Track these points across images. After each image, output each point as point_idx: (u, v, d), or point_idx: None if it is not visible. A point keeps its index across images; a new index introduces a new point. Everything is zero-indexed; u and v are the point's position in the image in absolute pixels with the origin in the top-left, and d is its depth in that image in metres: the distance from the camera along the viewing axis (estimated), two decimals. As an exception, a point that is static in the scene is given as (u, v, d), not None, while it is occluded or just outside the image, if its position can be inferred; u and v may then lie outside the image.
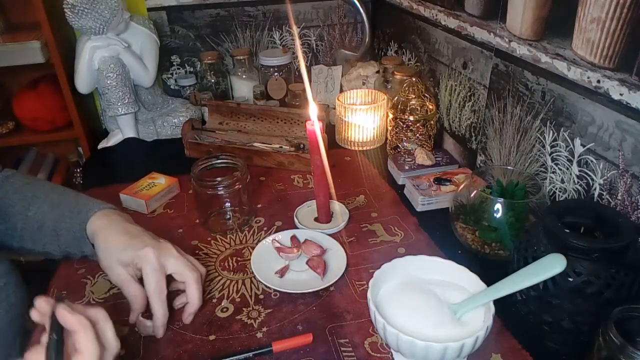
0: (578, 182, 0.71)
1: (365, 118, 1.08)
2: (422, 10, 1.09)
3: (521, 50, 0.78)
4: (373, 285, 0.57)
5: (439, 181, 0.90)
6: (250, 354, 0.59)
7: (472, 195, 0.76)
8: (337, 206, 0.88)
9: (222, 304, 0.69)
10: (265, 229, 0.85)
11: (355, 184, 0.98)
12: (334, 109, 1.13)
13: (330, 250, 0.77)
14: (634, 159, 0.61)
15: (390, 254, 0.72)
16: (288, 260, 0.75)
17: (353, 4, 1.31)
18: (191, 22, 1.31)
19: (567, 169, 0.73)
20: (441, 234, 0.81)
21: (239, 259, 0.78)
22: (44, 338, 0.44)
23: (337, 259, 0.75)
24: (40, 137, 1.31)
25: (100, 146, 1.18)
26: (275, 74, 1.28)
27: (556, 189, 0.75)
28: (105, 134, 1.22)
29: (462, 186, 0.78)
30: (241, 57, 1.28)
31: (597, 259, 0.55)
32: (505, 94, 0.85)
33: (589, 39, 0.64)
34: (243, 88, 1.29)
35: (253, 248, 0.78)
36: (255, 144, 1.07)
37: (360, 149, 1.12)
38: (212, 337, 0.63)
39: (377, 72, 1.26)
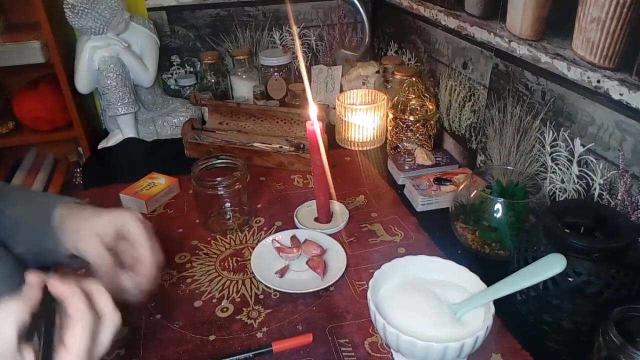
0: (578, 182, 0.71)
1: (365, 118, 1.08)
2: (422, 10, 1.09)
3: (521, 50, 0.78)
4: (373, 285, 0.57)
5: (439, 181, 0.90)
6: (250, 354, 0.59)
7: (472, 195, 0.76)
8: (337, 206, 0.88)
9: (222, 304, 0.69)
10: (265, 229, 0.85)
11: (355, 184, 0.98)
12: (334, 109, 1.13)
13: (330, 250, 0.77)
14: (634, 159, 0.61)
15: (390, 254, 0.72)
16: (288, 260, 0.75)
17: (353, 4, 1.31)
18: (191, 22, 1.31)
19: (567, 169, 0.73)
20: (441, 234, 0.81)
21: (239, 259, 0.78)
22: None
23: (337, 259, 0.75)
24: (40, 137, 1.31)
25: (100, 146, 1.18)
26: (275, 74, 1.28)
27: (556, 189, 0.75)
28: (105, 134, 1.22)
29: (462, 186, 0.78)
30: (241, 57, 1.28)
31: (597, 259, 0.55)
32: (505, 94, 0.85)
33: (589, 39, 0.64)
34: (243, 88, 1.29)
35: (253, 248, 0.78)
36: (255, 144, 1.07)
37: (360, 149, 1.12)
38: (212, 337, 0.63)
39: (377, 72, 1.26)
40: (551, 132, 0.75)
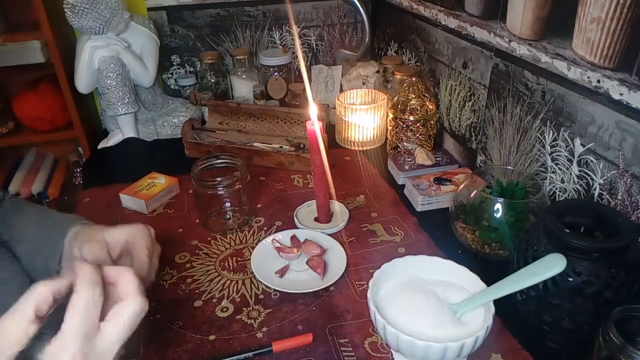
0: (578, 182, 0.71)
1: (365, 118, 1.08)
2: (422, 10, 1.09)
3: (521, 50, 0.78)
4: (373, 285, 0.57)
5: (439, 181, 0.90)
6: (250, 354, 0.59)
7: (472, 195, 0.76)
8: (337, 206, 0.88)
9: (222, 304, 0.69)
10: (265, 229, 0.85)
11: (355, 184, 0.98)
12: (334, 108, 1.13)
13: (330, 250, 0.77)
14: (634, 159, 0.61)
15: (390, 254, 0.72)
16: (288, 260, 0.75)
17: (353, 4, 1.31)
18: (191, 22, 1.31)
19: (567, 169, 0.73)
20: (441, 234, 0.81)
21: (239, 259, 0.78)
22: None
23: (337, 259, 0.75)
24: (40, 137, 1.31)
25: (100, 146, 1.18)
26: (275, 73, 1.28)
27: (556, 189, 0.75)
28: (105, 134, 1.22)
29: (462, 186, 0.78)
30: (241, 57, 1.28)
31: (597, 259, 0.55)
32: (505, 94, 0.84)
33: (589, 38, 0.64)
34: (243, 88, 1.29)
35: (253, 248, 0.78)
36: (255, 144, 1.07)
37: (360, 149, 1.12)
38: (212, 337, 0.63)
39: (377, 72, 1.26)
40: (551, 132, 0.75)
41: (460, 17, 0.94)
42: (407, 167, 0.97)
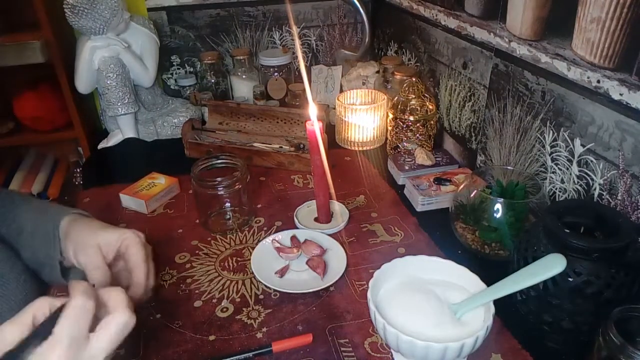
0: (578, 182, 0.71)
1: (365, 118, 1.08)
2: (422, 10, 1.09)
3: (521, 50, 0.78)
4: (373, 285, 0.57)
5: (439, 181, 0.90)
6: (250, 354, 0.59)
7: (472, 195, 0.76)
8: (337, 206, 0.88)
9: (222, 304, 0.69)
10: (265, 229, 0.85)
11: (355, 184, 0.98)
12: (334, 109, 1.13)
13: (330, 250, 0.77)
14: (634, 159, 0.61)
15: (390, 254, 0.72)
16: (288, 260, 0.75)
17: (353, 4, 1.31)
18: (191, 22, 1.31)
19: (567, 169, 0.73)
20: (441, 234, 0.81)
21: (239, 259, 0.78)
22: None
23: (337, 259, 0.75)
24: (40, 137, 1.31)
25: (100, 146, 1.18)
26: (275, 74, 1.28)
27: (556, 189, 0.75)
28: (105, 134, 1.22)
29: (462, 186, 0.78)
30: (241, 57, 1.28)
31: (597, 259, 0.55)
32: (505, 94, 0.85)
33: (589, 39, 0.64)
34: (243, 88, 1.29)
35: (253, 248, 0.78)
36: (255, 144, 1.07)
37: (360, 149, 1.12)
38: (212, 337, 0.63)
39: (377, 72, 1.26)
40: (551, 132, 0.75)
41: (460, 17, 0.94)
42: (407, 167, 0.97)
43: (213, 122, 1.16)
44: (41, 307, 0.41)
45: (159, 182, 0.94)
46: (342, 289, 0.71)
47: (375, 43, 1.43)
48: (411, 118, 1.00)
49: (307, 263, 0.74)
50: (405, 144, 1.03)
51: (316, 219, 0.85)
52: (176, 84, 1.36)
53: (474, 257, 0.76)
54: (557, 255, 0.51)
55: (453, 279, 0.60)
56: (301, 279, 0.72)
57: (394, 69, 1.13)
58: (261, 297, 0.70)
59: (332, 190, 0.83)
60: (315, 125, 0.75)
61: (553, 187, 0.76)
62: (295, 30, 1.39)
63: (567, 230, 0.56)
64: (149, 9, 1.27)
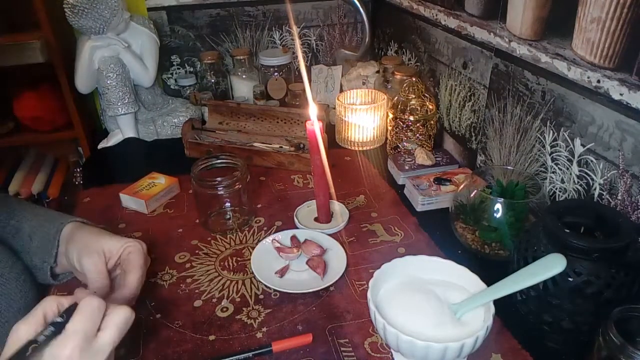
0: (578, 182, 0.71)
1: (365, 118, 1.08)
2: (422, 10, 1.09)
3: (521, 50, 0.78)
4: (373, 285, 0.57)
5: (439, 181, 0.90)
6: (250, 354, 0.59)
7: (472, 195, 0.76)
8: (337, 206, 0.88)
9: (222, 304, 0.69)
10: (265, 229, 0.85)
11: (355, 184, 0.98)
12: (334, 109, 1.13)
13: (330, 250, 0.77)
14: (634, 159, 0.61)
15: (390, 254, 0.72)
16: (288, 260, 0.75)
17: (353, 4, 1.31)
18: (191, 22, 1.31)
19: (567, 169, 0.72)
20: (441, 234, 0.81)
21: (239, 259, 0.78)
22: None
23: (337, 259, 0.75)
24: (40, 137, 1.31)
25: (100, 146, 1.18)
26: (275, 74, 1.28)
27: (556, 189, 0.75)
28: (105, 134, 1.22)
29: (462, 186, 0.78)
30: (241, 57, 1.28)
31: (597, 259, 0.55)
32: (505, 94, 0.84)
33: (589, 39, 0.64)
34: (243, 88, 1.29)
35: (253, 248, 0.78)
36: (255, 144, 1.07)
37: (360, 149, 1.12)
38: (212, 337, 0.63)
39: (377, 72, 1.26)
40: (551, 132, 0.75)
41: (460, 17, 0.94)
42: (407, 167, 0.97)
43: (213, 122, 1.16)
44: (51, 306, 0.45)
45: (159, 182, 0.94)
46: (342, 289, 0.71)
47: (375, 43, 1.43)
48: (411, 118, 1.00)
49: (307, 263, 0.74)
50: (405, 143, 1.03)
51: (316, 219, 0.85)
52: (176, 84, 1.36)
53: (474, 257, 0.76)
54: (557, 255, 0.51)
55: (453, 279, 0.60)
56: (301, 279, 0.72)
57: (394, 68, 1.13)
58: (261, 297, 0.70)
59: (332, 190, 0.83)
60: (315, 125, 0.75)
61: (553, 187, 0.76)
62: (295, 30, 1.39)
63: (567, 230, 0.56)
64: (149, 9, 1.27)
